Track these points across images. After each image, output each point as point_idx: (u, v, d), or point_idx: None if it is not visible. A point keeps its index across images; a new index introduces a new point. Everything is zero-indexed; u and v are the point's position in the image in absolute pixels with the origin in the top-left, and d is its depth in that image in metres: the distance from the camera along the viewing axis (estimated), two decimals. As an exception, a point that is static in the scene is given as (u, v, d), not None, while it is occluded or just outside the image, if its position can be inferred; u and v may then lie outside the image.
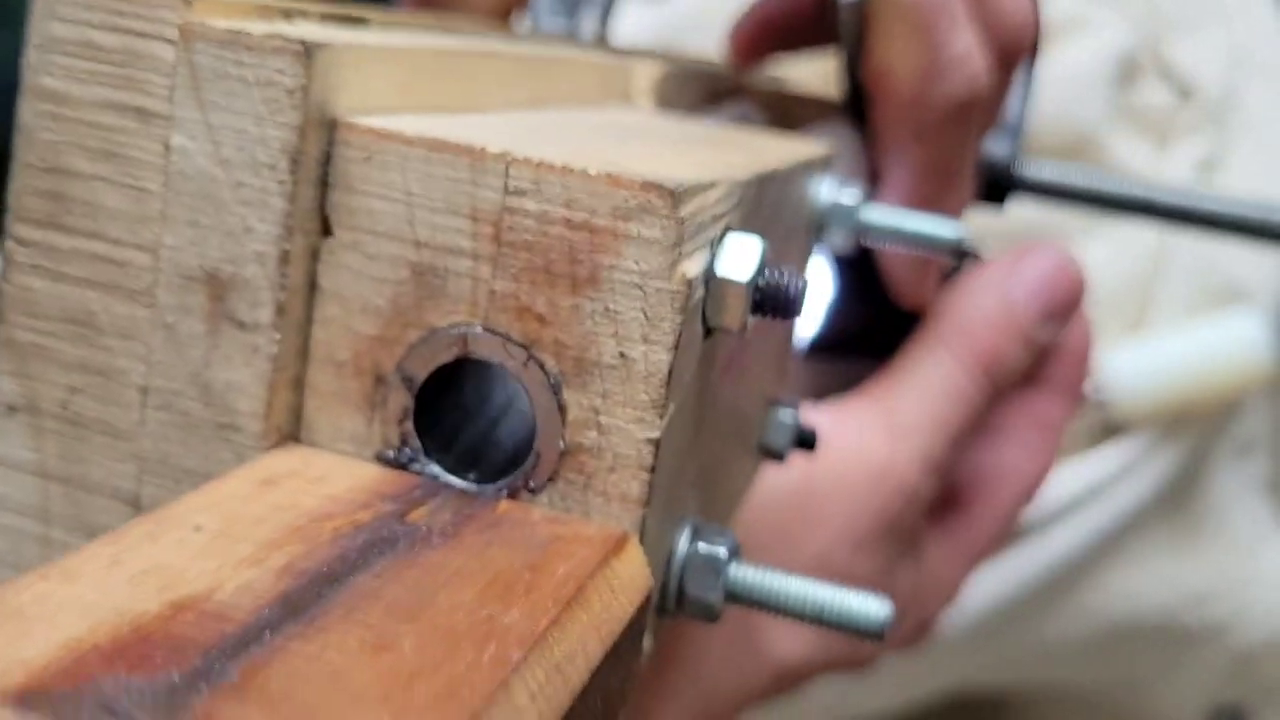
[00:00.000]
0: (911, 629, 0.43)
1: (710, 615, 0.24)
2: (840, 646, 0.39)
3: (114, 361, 0.22)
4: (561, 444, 0.21)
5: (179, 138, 0.21)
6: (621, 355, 0.21)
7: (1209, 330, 0.58)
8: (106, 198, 0.22)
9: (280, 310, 0.21)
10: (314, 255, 0.22)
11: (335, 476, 0.21)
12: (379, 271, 0.21)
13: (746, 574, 0.24)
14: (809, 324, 0.41)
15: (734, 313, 0.22)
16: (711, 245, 0.22)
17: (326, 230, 0.22)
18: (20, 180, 0.22)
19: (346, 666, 0.16)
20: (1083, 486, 0.57)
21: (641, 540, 0.21)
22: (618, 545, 0.20)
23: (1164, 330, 0.59)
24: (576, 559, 0.20)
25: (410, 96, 0.24)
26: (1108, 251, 0.57)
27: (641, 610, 0.20)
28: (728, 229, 0.22)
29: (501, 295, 0.21)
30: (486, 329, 0.21)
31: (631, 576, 0.20)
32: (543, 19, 0.47)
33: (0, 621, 0.15)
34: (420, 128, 0.21)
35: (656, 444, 0.21)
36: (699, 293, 0.21)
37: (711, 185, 0.21)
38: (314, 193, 0.21)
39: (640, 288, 0.20)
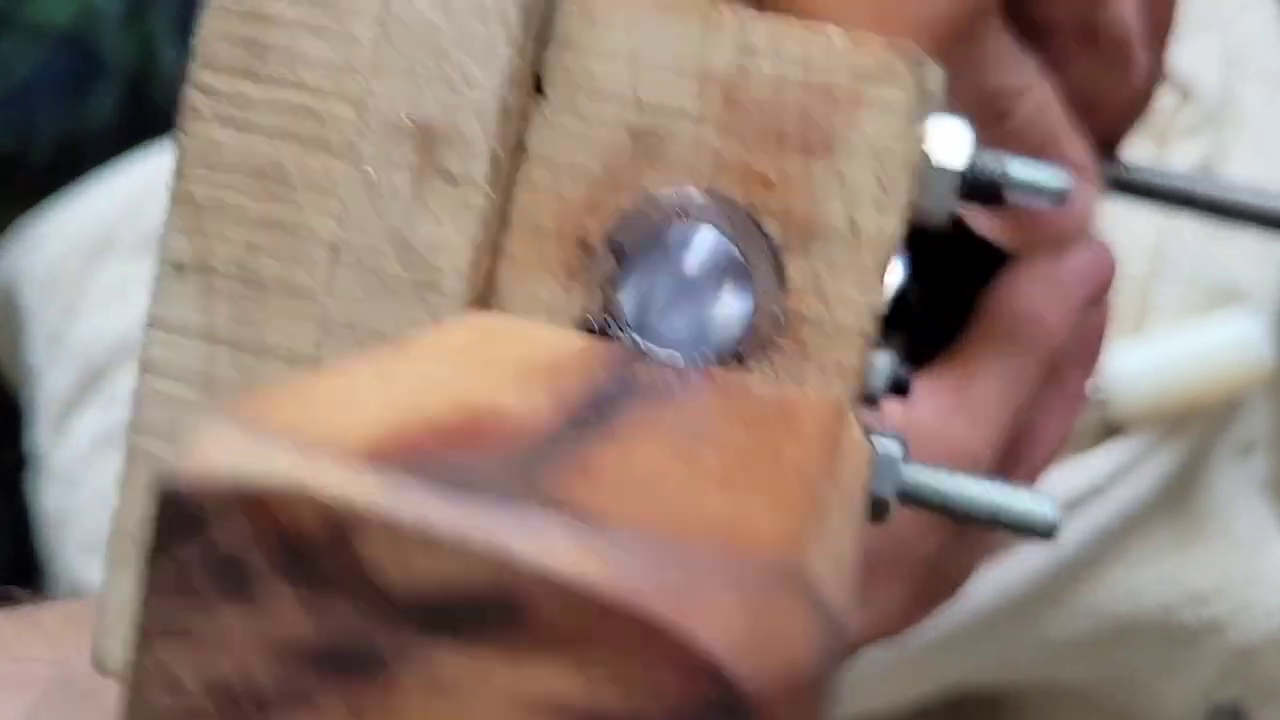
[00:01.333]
0: (950, 596, 0.43)
1: (882, 515, 0.24)
2: (891, 613, 0.39)
3: (303, 217, 0.21)
4: (780, 313, 0.21)
5: (400, -17, 0.20)
6: (852, 222, 0.20)
7: (1208, 330, 0.58)
8: (311, 46, 0.21)
9: (495, 165, 0.21)
10: (525, 117, 0.21)
11: (549, 338, 0.20)
12: (594, 134, 0.21)
13: (919, 473, 0.24)
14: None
15: (943, 199, 0.22)
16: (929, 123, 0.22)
17: (539, 91, 0.21)
18: (211, 25, 0.21)
19: (663, 464, 0.15)
20: (1083, 485, 0.57)
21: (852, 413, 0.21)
22: (839, 413, 0.20)
23: (1163, 331, 0.59)
24: (815, 414, 0.19)
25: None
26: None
27: (866, 484, 0.20)
28: (938, 111, 0.22)
29: (727, 159, 0.21)
30: (708, 193, 0.21)
31: (859, 441, 0.20)
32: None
33: (310, 406, 0.14)
34: (645, -12, 0.21)
35: (878, 313, 0.20)
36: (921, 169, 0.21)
37: (934, 65, 0.21)
38: (536, 48, 0.21)
39: (877, 155, 0.20)
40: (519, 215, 0.21)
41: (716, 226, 0.21)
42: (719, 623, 0.12)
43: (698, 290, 0.22)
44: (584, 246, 0.21)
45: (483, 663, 0.12)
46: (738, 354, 0.21)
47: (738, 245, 0.21)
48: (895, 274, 0.42)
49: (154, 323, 0.22)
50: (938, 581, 0.40)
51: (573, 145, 0.21)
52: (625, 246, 0.21)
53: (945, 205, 0.22)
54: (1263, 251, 0.62)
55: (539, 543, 0.12)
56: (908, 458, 0.24)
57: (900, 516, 0.38)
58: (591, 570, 0.12)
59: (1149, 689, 0.62)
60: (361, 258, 0.21)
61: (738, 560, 0.13)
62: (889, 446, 0.24)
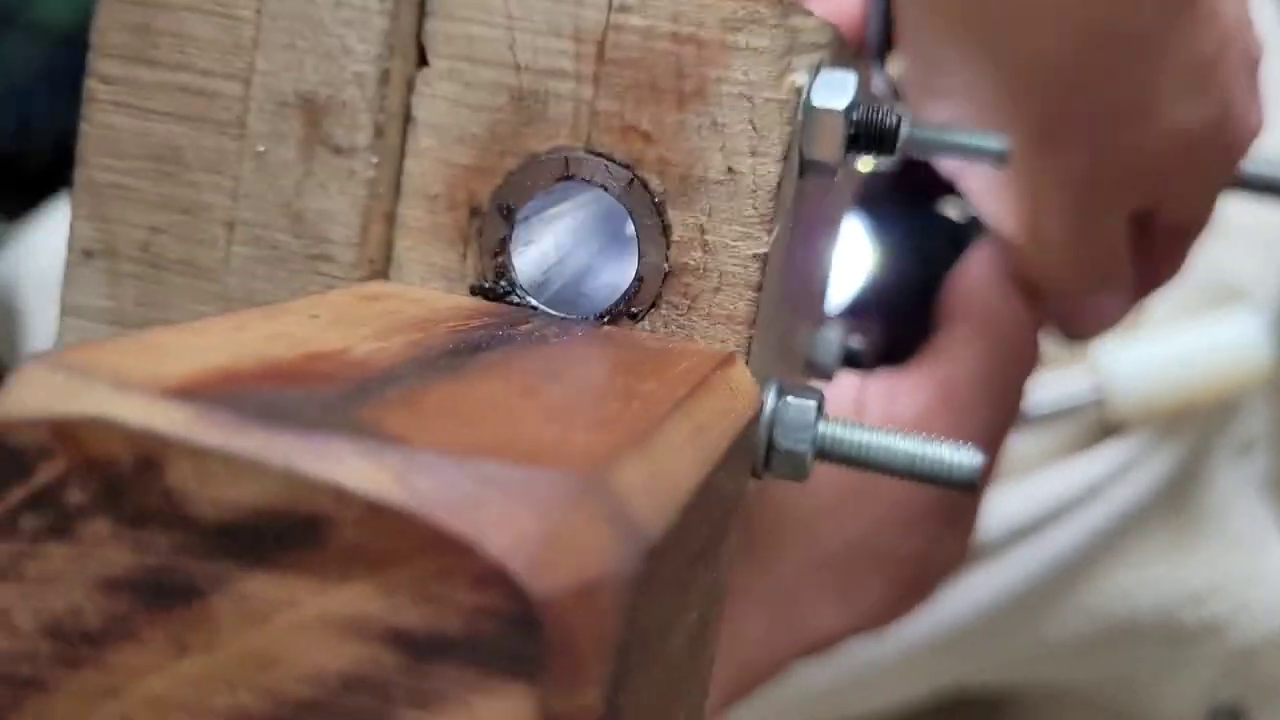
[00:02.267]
0: (932, 590, 0.42)
1: (800, 472, 0.24)
2: (873, 608, 0.39)
3: (199, 197, 0.22)
4: (666, 265, 0.21)
5: (276, -40, 0.21)
6: (729, 170, 0.20)
7: (1208, 330, 0.58)
8: (197, 27, 0.21)
9: (379, 132, 0.21)
10: (409, 86, 0.21)
11: (434, 300, 0.21)
12: (477, 99, 0.21)
13: (835, 429, 0.24)
14: (845, 290, 0.41)
15: (831, 143, 0.22)
16: (809, 75, 0.22)
17: (423, 61, 0.21)
18: (105, 15, 0.22)
19: (500, 399, 0.15)
20: (1082, 485, 0.57)
21: (747, 364, 0.21)
22: (728, 359, 0.20)
23: (1162, 330, 0.59)
24: (694, 359, 0.19)
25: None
26: None
27: (755, 419, 0.20)
28: (822, 63, 0.22)
29: (605, 115, 0.21)
30: (589, 150, 0.21)
31: (744, 386, 0.20)
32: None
33: (140, 351, 0.15)
34: (520, -47, 0.21)
35: (764, 260, 0.21)
36: (800, 116, 0.21)
37: (808, 11, 0.21)
38: (412, 18, 0.21)
39: (749, 99, 0.20)
40: (410, 184, 0.22)
41: (599, 183, 0.21)
42: (508, 533, 0.12)
43: (586, 248, 0.23)
44: (475, 211, 0.22)
45: (291, 587, 0.13)
46: (629, 309, 0.21)
47: (621, 200, 0.21)
48: (866, 261, 0.42)
49: (66, 310, 0.23)
50: (919, 579, 0.40)
51: (457, 111, 0.21)
52: (514, 209, 0.21)
53: (833, 151, 0.22)
54: (1262, 252, 0.62)
55: (336, 463, 0.12)
56: (824, 415, 0.24)
57: (880, 518, 0.39)
58: (385, 487, 0.12)
59: (1148, 689, 0.62)
60: (257, 233, 0.22)
61: (534, 474, 0.13)
62: (803, 403, 0.24)
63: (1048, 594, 0.57)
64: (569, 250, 0.24)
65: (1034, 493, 0.56)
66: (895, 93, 0.38)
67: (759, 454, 0.23)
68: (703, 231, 0.21)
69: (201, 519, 0.13)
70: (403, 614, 0.12)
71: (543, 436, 0.14)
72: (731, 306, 0.21)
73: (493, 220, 0.21)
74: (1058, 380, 0.58)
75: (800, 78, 0.20)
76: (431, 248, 0.22)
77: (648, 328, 0.21)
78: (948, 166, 0.37)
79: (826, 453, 0.24)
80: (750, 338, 0.21)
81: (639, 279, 0.21)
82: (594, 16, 0.21)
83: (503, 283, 0.22)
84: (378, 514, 0.12)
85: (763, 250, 0.20)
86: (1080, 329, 0.42)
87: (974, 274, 0.40)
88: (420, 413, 0.14)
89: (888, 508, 0.37)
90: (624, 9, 0.20)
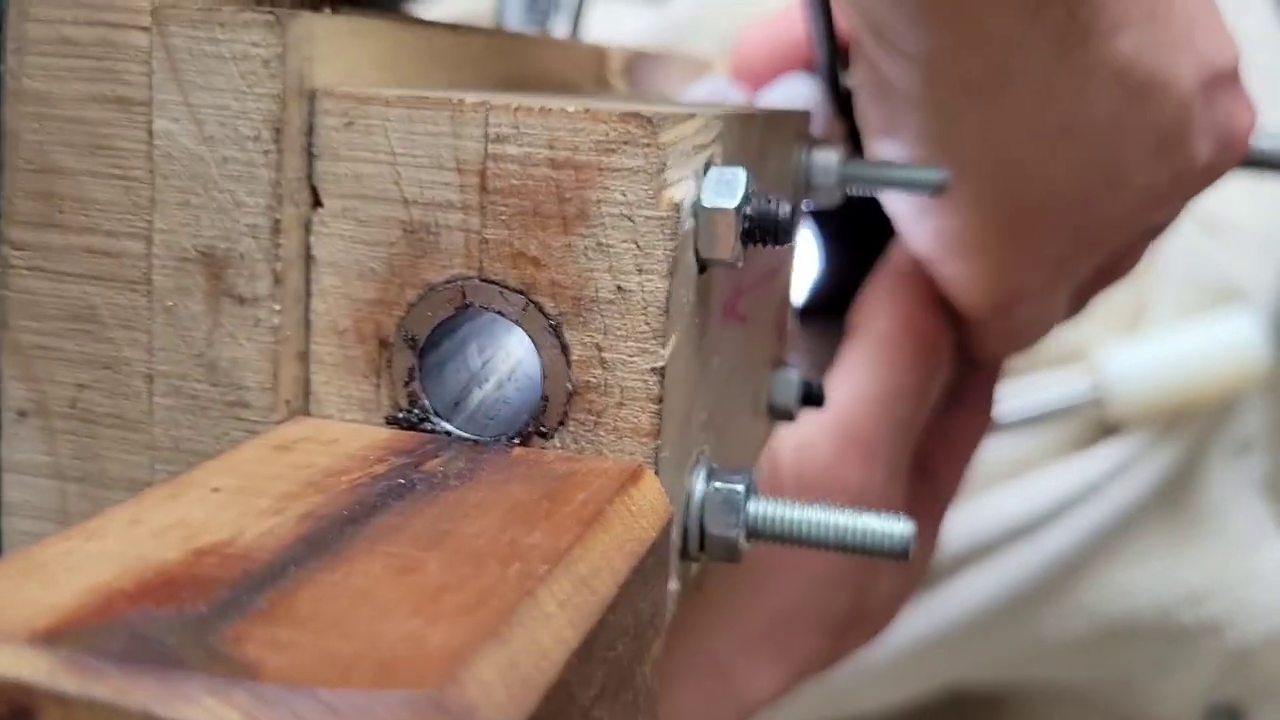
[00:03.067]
0: (885, 622, 0.43)
1: (733, 554, 0.24)
2: (812, 659, 0.39)
3: (119, 352, 0.22)
4: (569, 385, 0.21)
5: (161, 121, 0.21)
6: (618, 288, 0.21)
7: (1205, 330, 0.58)
8: (96, 191, 0.22)
9: (277, 280, 0.21)
10: (307, 228, 0.22)
11: (348, 439, 0.21)
12: (372, 235, 0.22)
13: (765, 508, 0.24)
14: (798, 292, 0.41)
15: (725, 241, 0.22)
16: (697, 178, 0.22)
17: (317, 202, 0.22)
18: (11, 184, 0.22)
19: (373, 588, 0.16)
20: (1080, 485, 0.57)
21: (657, 473, 0.21)
22: (634, 475, 0.20)
23: (1160, 330, 0.59)
24: (594, 487, 0.20)
25: (388, 72, 0.24)
26: None
27: (663, 535, 0.20)
28: (711, 162, 0.22)
29: (494, 243, 0.21)
30: (483, 279, 0.21)
31: (650, 502, 0.20)
32: (512, 24, 0.48)
33: (25, 575, 0.15)
34: (399, 91, 0.22)
35: (662, 373, 0.21)
36: (688, 223, 0.21)
37: (690, 116, 0.22)
38: (300, 163, 0.21)
39: (629, 218, 0.20)
40: (319, 321, 0.22)
41: (496, 309, 0.21)
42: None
43: (490, 372, 0.23)
44: (383, 343, 0.22)
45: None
46: (539, 428, 0.22)
47: (519, 324, 0.21)
48: (812, 265, 0.42)
49: (7, 467, 0.23)
50: (857, 626, 0.40)
51: (354, 248, 0.22)
52: (418, 338, 0.22)
53: (729, 248, 0.22)
54: (1260, 252, 0.61)
55: (188, 706, 0.13)
56: (754, 495, 0.24)
57: (809, 582, 0.39)
58: (235, 727, 0.13)
59: (1146, 688, 0.62)
60: (176, 384, 0.22)
61: (378, 699, 0.13)
62: (731, 488, 0.24)
63: (1046, 593, 0.58)
64: (494, 353, 0.25)
65: (1032, 492, 0.56)
66: (843, 105, 0.38)
67: (692, 540, 0.24)
68: (600, 350, 0.21)
69: (75, 761, 0.13)
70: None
71: (402, 638, 0.14)
72: (635, 420, 0.21)
73: (400, 351, 0.22)
74: (1056, 380, 0.58)
75: (679, 192, 0.21)
76: (346, 381, 0.22)
77: (558, 445, 0.22)
78: (917, 243, 0.37)
79: (757, 533, 0.24)
80: (657, 448, 0.21)
81: (544, 398, 0.21)
82: (472, 147, 0.21)
83: (415, 410, 0.22)
84: (230, 754, 0.13)
85: (659, 364, 0.21)
86: (1000, 353, 0.42)
87: (879, 288, 0.40)
88: (284, 624, 0.15)
89: (816, 570, 0.38)
90: (500, 139, 0.21)
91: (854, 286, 0.43)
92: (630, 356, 0.21)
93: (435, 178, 0.21)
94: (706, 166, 0.22)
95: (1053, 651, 0.59)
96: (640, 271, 0.21)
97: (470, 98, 0.21)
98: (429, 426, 0.22)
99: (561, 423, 0.21)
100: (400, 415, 0.22)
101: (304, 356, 0.22)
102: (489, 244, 0.21)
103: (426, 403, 0.22)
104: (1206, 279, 0.60)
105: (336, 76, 0.22)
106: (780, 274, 0.33)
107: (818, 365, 0.44)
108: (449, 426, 0.22)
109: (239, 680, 0.13)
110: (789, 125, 0.31)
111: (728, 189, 0.22)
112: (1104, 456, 0.58)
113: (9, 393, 0.23)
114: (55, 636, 0.14)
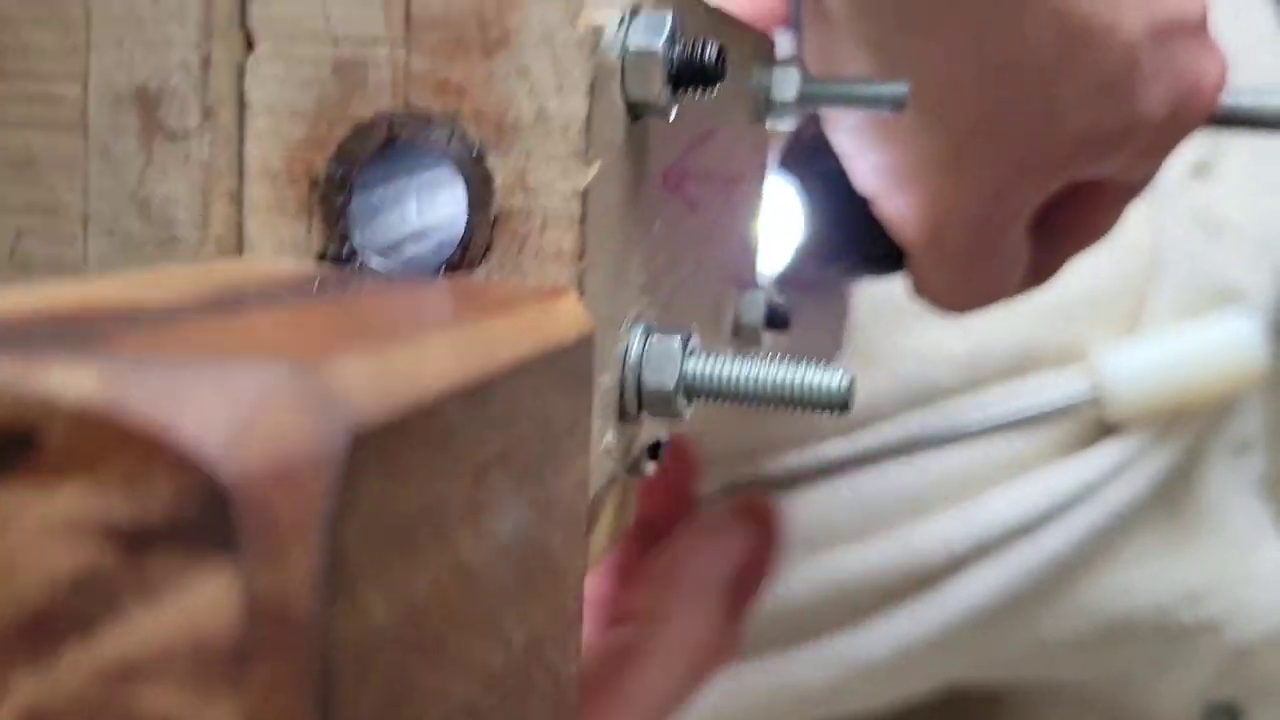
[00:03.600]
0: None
1: (671, 410, 0.24)
2: (712, 640, 0.41)
3: (57, 197, 0.23)
4: (493, 212, 0.21)
5: (99, -37, 0.22)
6: (539, 111, 0.21)
7: (1204, 331, 0.58)
8: (36, 37, 0.22)
9: (207, 114, 0.22)
10: (240, 72, 0.22)
11: (278, 266, 0.21)
12: (302, 75, 0.22)
13: (702, 365, 0.24)
14: (778, 259, 0.41)
15: (651, 81, 0.22)
16: (625, 19, 0.22)
17: (250, 46, 0.22)
18: (-44, 38, 0.23)
19: (256, 326, 0.16)
20: (1078, 485, 0.56)
21: (581, 296, 0.21)
22: (555, 292, 0.20)
23: (1159, 331, 0.59)
24: (509, 293, 0.20)
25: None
26: (1103, 252, 0.58)
27: (580, 345, 0.20)
28: (639, 7, 0.23)
29: (419, 75, 0.21)
30: (409, 112, 0.22)
31: (570, 314, 0.20)
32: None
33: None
34: (329, -70, 0.22)
35: (584, 195, 0.21)
36: (612, 54, 0.22)
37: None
38: (233, 4, 0.22)
39: (549, 41, 0.21)
40: (252, 164, 0.23)
41: (421, 141, 0.22)
42: (201, 420, 0.13)
43: (431, 233, 0.23)
44: (314, 183, 0.22)
45: (16, 496, 0.13)
46: (464, 260, 0.22)
47: (445, 156, 0.22)
48: (797, 230, 0.42)
49: (-51, 322, 0.24)
50: (744, 592, 0.41)
51: (285, 88, 0.22)
52: (348, 176, 0.22)
53: (656, 90, 0.22)
54: (1259, 254, 0.61)
55: (42, 373, 0.13)
56: (694, 352, 0.24)
57: (693, 550, 0.39)
58: (87, 390, 0.13)
59: (1145, 687, 0.61)
60: (110, 225, 0.22)
61: (236, 367, 0.13)
62: (667, 342, 0.24)
63: (1045, 592, 0.57)
64: (439, 220, 0.25)
65: (1031, 492, 0.56)
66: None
67: (629, 397, 0.24)
68: (523, 175, 0.21)
69: (-64, 443, 0.13)
70: (114, 510, 0.13)
71: (271, 343, 0.14)
72: (558, 243, 0.21)
73: (331, 189, 0.22)
74: (1054, 381, 0.58)
75: (599, 16, 0.21)
76: (279, 223, 0.23)
77: (483, 276, 0.22)
78: (860, 179, 0.38)
79: (695, 388, 0.24)
80: (581, 271, 0.21)
81: (470, 228, 0.22)
82: (398, -21, 0.21)
83: (345, 248, 0.22)
84: (81, 416, 0.13)
85: (581, 184, 0.21)
86: (960, 304, 0.42)
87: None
88: (164, 338, 0.15)
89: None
90: (424, -32, 0.21)
91: (837, 252, 0.43)
92: (552, 179, 0.21)
93: (363, 13, 0.22)
94: (635, 10, 0.23)
95: (1051, 650, 0.58)
96: (560, 92, 0.21)
97: (395, -70, 0.21)
98: (358, 265, 0.22)
99: (486, 252, 0.22)
100: (330, 252, 0.22)
101: (237, 199, 0.23)
102: (414, 76, 0.21)
103: (358, 241, 0.22)
104: (1205, 280, 0.60)
105: (274, -70, 0.23)
106: (742, 186, 0.33)
107: (801, 330, 0.44)
108: (377, 264, 0.22)
109: (97, 352, 0.13)
110: (747, 40, 0.32)
111: (653, 29, 0.22)
112: (1103, 457, 0.57)
113: (-49, 246, 0.23)
114: (-74, 332, 0.14)
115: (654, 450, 0.30)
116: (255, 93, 0.22)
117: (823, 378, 0.24)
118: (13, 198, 0.23)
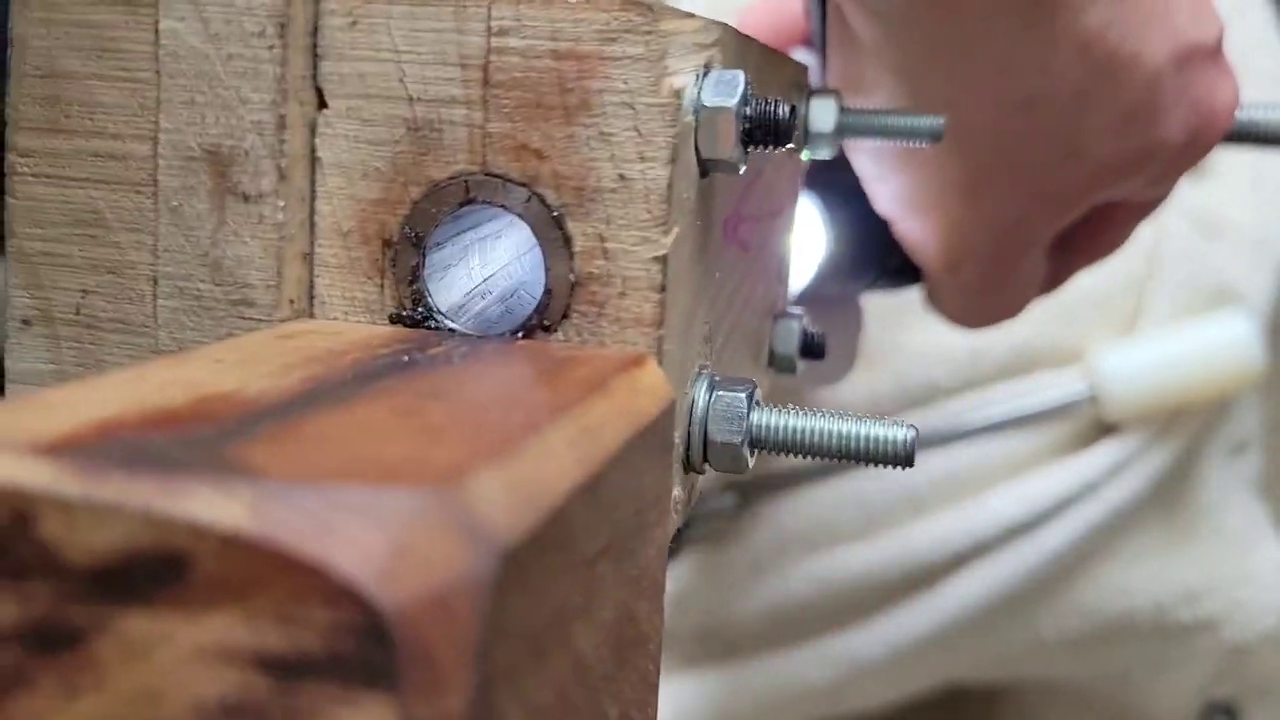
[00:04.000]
0: None
1: (738, 464, 0.24)
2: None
3: (124, 256, 0.22)
4: (572, 276, 0.21)
5: (168, 21, 0.22)
6: (620, 177, 0.21)
7: (1201, 331, 0.59)
8: (103, 94, 0.22)
9: (282, 176, 0.22)
10: (312, 129, 0.22)
11: (350, 332, 0.21)
12: (376, 134, 0.22)
13: (768, 417, 0.24)
14: (802, 277, 0.41)
15: (725, 140, 0.22)
16: (698, 77, 0.22)
17: (322, 104, 0.22)
18: (17, 91, 0.23)
19: (375, 422, 0.16)
20: (1076, 484, 0.57)
21: (660, 364, 0.21)
22: (637, 360, 0.21)
23: (1157, 331, 0.59)
24: (596, 365, 0.20)
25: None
26: None
27: (665, 416, 0.20)
28: (711, 64, 0.23)
29: (497, 137, 0.21)
30: (486, 173, 0.21)
31: (653, 383, 0.20)
32: None
33: (27, 408, 0.15)
34: (402, -12, 0.22)
35: (664, 261, 0.21)
36: (689, 117, 0.22)
37: (690, 15, 0.22)
38: (305, 62, 0.22)
39: (630, 106, 0.21)
40: (323, 223, 0.22)
41: (500, 203, 0.21)
42: (355, 551, 0.13)
43: (493, 287, 0.23)
44: (387, 243, 0.22)
45: (164, 622, 0.13)
46: (542, 322, 0.22)
47: (523, 218, 0.21)
48: (819, 248, 0.42)
49: (11, 377, 0.23)
50: None
51: (359, 148, 0.22)
52: (423, 236, 0.22)
53: (729, 148, 0.22)
54: (1256, 254, 0.62)
55: (189, 500, 0.13)
56: (758, 404, 0.24)
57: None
58: (237, 518, 0.13)
59: (1143, 685, 0.62)
60: (180, 285, 0.22)
61: (382, 493, 0.13)
62: (734, 396, 0.24)
63: (1043, 591, 0.58)
64: (495, 270, 0.25)
65: (1029, 491, 0.56)
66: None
67: (695, 450, 0.24)
68: (603, 240, 0.21)
69: (76, 566, 0.13)
70: (267, 638, 0.13)
71: (405, 456, 0.14)
72: (638, 309, 0.21)
73: (404, 249, 0.22)
74: (1053, 380, 0.58)
75: (680, 80, 0.21)
76: (350, 282, 0.22)
77: (561, 338, 0.22)
78: (881, 203, 0.38)
79: (760, 442, 0.24)
80: (660, 337, 0.21)
81: (548, 291, 0.22)
82: (476, 41, 0.21)
83: (420, 309, 0.22)
84: (233, 545, 0.13)
85: (662, 252, 0.21)
86: (975, 322, 0.42)
87: None
88: (290, 444, 0.15)
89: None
90: (503, 32, 0.21)
91: (858, 268, 0.43)
92: (632, 245, 0.21)
93: (439, 74, 0.21)
94: (707, 68, 0.22)
95: (1050, 649, 0.59)
96: (642, 159, 0.21)
97: (473, -8, 0.21)
98: (432, 324, 0.22)
99: (565, 316, 0.21)
100: (404, 313, 0.22)
101: (308, 259, 0.22)
102: (492, 138, 0.21)
103: (431, 302, 0.22)
104: (1203, 281, 0.60)
105: (341, -16, 0.22)
106: (781, 217, 0.33)
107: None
108: (453, 325, 0.22)
109: (242, 476, 0.13)
110: (787, 70, 0.32)
111: (727, 88, 0.22)
112: (1101, 456, 0.58)
113: (14, 302, 0.23)
114: (56, 449, 0.14)
115: None
116: (327, 152, 0.22)
117: (887, 432, 0.24)
118: (77, 255, 0.23)
